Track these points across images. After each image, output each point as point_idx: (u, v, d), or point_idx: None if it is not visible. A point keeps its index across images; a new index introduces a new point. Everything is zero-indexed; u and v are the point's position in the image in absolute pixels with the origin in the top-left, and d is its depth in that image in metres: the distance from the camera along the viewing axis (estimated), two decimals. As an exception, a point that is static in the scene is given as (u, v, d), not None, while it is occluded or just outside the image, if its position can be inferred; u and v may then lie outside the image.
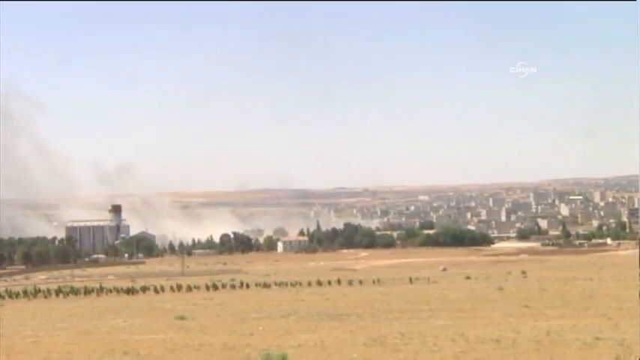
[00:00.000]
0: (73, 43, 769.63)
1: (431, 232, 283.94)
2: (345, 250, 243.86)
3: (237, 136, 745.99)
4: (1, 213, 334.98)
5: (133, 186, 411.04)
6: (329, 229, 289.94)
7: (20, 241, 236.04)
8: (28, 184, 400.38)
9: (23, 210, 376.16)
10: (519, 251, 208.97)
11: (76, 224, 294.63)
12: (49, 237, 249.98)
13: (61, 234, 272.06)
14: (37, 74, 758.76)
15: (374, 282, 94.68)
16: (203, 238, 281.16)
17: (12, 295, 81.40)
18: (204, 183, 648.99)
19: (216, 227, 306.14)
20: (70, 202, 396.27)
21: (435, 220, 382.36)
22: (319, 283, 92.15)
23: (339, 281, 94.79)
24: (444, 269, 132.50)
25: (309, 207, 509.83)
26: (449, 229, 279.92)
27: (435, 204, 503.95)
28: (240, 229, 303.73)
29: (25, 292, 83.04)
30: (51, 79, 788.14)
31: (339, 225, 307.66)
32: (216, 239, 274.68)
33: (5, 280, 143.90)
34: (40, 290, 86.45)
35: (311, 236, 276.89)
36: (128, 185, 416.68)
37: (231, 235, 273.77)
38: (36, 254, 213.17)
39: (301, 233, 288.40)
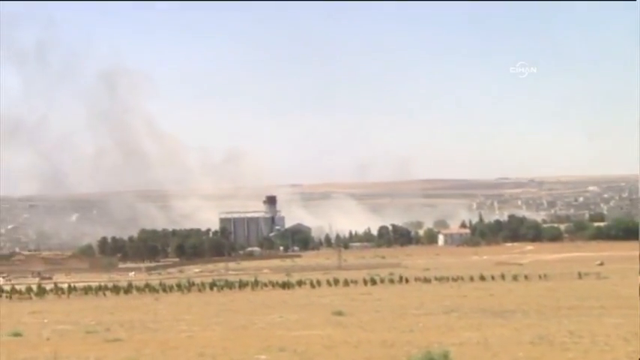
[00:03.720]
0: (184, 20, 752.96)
1: (601, 224, 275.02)
2: (509, 244, 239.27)
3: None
4: (117, 204, 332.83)
5: (246, 176, 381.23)
6: (492, 221, 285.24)
7: (174, 232, 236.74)
8: (143, 169, 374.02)
9: (141, 201, 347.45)
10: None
11: (229, 216, 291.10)
12: (203, 229, 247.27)
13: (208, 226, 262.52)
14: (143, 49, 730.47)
15: (540, 277, 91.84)
16: (351, 231, 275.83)
17: (166, 288, 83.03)
18: (326, 173, 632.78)
19: (345, 219, 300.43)
20: (183, 191, 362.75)
21: (605, 212, 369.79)
22: (482, 278, 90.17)
23: (503, 276, 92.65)
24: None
25: (472, 198, 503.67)
26: (621, 222, 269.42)
27: (605, 195, 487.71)
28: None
29: (179, 286, 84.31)
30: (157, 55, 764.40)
31: (503, 217, 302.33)
32: (374, 232, 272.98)
33: (159, 273, 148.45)
34: (194, 284, 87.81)
35: (473, 229, 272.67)
36: (239, 175, 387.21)
37: (390, 228, 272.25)
38: (190, 246, 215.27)
39: (463, 225, 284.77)
